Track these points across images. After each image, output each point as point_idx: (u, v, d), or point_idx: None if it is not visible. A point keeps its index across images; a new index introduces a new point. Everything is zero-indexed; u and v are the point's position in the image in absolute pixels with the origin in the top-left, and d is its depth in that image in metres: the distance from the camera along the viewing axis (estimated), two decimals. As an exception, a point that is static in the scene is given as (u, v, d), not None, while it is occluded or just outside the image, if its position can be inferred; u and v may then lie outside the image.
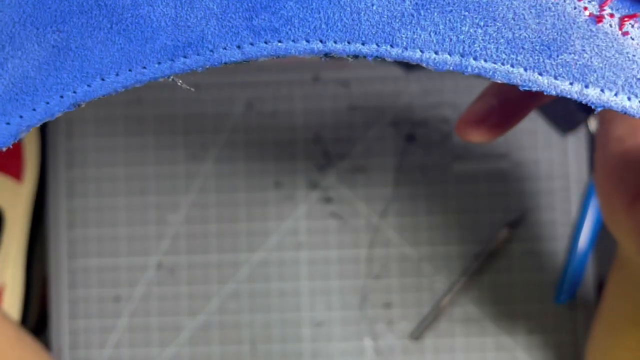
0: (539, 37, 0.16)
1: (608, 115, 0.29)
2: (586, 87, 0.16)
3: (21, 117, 0.17)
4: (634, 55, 0.16)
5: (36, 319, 0.57)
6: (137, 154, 0.57)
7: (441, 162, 0.56)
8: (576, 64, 0.16)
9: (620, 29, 0.16)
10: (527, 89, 0.16)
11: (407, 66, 0.56)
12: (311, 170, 0.57)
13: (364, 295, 0.56)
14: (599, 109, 0.17)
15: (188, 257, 0.56)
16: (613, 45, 0.16)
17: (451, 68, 0.16)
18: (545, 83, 0.16)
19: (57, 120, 0.57)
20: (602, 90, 0.16)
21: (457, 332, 0.55)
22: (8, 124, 0.17)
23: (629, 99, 0.16)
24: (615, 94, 0.16)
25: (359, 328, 0.56)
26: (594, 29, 0.16)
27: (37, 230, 0.57)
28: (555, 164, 0.56)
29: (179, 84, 0.19)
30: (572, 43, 0.16)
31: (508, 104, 0.24)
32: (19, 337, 0.42)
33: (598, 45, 0.16)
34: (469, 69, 0.16)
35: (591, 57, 0.16)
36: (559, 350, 0.55)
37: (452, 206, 0.56)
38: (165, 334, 0.56)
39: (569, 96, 0.16)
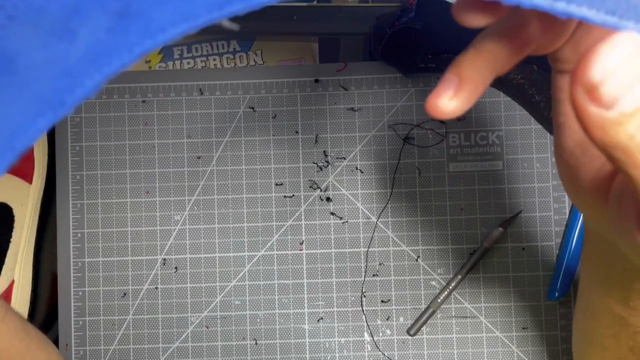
0: None
1: (562, 95, 0.30)
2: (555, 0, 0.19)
3: (100, 72, 0.19)
4: None
5: (45, 314, 0.59)
6: (142, 156, 0.58)
7: (437, 162, 0.58)
8: None
9: None
10: (508, 4, 0.19)
11: (405, 69, 0.58)
12: (311, 171, 0.58)
13: (363, 292, 0.57)
14: (564, 18, 0.20)
15: (192, 255, 0.58)
16: None
17: None
18: None
19: (65, 124, 0.58)
20: (567, 3, 0.19)
21: (452, 328, 0.57)
22: (91, 79, 0.19)
23: (588, 8, 0.19)
24: (578, 5, 0.19)
25: (358, 324, 0.57)
26: None
27: (46, 228, 0.59)
28: (548, 164, 0.57)
29: (226, 25, 0.21)
30: None
31: (468, 79, 0.26)
32: (26, 329, 0.43)
33: None
34: None
35: None
36: (552, 345, 0.56)
37: (448, 206, 0.57)
38: (170, 330, 0.57)
39: (540, 8, 0.19)
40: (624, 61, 0.20)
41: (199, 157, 0.58)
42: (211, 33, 0.60)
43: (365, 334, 0.57)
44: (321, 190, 0.58)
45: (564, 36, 0.28)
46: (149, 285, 0.57)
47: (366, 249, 0.57)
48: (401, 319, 0.57)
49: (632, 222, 0.26)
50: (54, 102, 0.19)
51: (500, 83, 0.54)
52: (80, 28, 0.19)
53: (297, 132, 0.58)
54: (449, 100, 0.26)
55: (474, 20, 0.25)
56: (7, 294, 0.55)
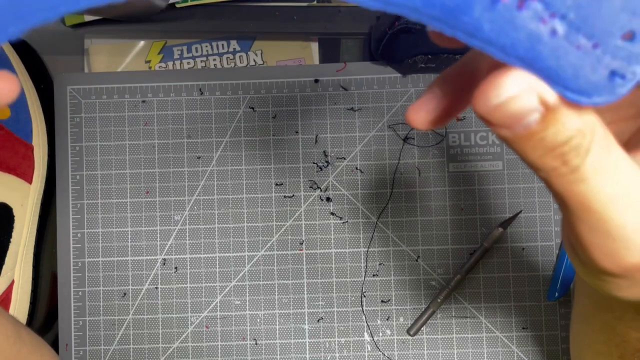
0: (447, 2, 0.20)
1: None
2: (473, 37, 0.21)
3: (24, 22, 0.20)
4: (522, 26, 0.21)
5: (45, 314, 0.59)
6: (142, 156, 0.58)
7: (437, 162, 0.58)
8: (471, 25, 0.21)
9: (520, 5, 0.20)
10: (433, 29, 0.21)
11: (405, 69, 0.58)
12: (311, 171, 0.58)
13: (363, 292, 0.57)
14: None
15: (192, 255, 0.58)
16: (505, 17, 0.20)
17: (376, 7, 0.21)
18: (448, 31, 0.21)
19: (65, 123, 0.58)
20: (484, 43, 0.21)
21: (452, 328, 0.57)
22: (14, 28, 0.21)
23: (502, 54, 0.21)
24: (494, 48, 0.21)
25: (358, 324, 0.57)
26: (494, 2, 0.20)
27: (46, 228, 0.59)
28: (548, 164, 0.57)
29: (155, 0, 0.21)
30: (472, 10, 0.20)
31: (451, 95, 0.26)
32: (17, 333, 0.42)
33: (493, 15, 0.20)
34: (390, 8, 0.21)
35: (484, 23, 0.21)
36: (551, 345, 0.56)
37: (448, 206, 0.57)
38: (170, 330, 0.57)
39: (460, 39, 0.21)
40: (510, 96, 0.21)
41: (199, 157, 0.58)
42: (211, 33, 0.60)
43: (365, 334, 0.57)
44: (321, 190, 0.58)
45: None
46: (149, 285, 0.58)
47: (366, 249, 0.57)
48: (401, 319, 0.57)
49: (565, 241, 0.27)
50: None
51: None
52: None
53: (297, 132, 0.58)
54: (427, 114, 0.26)
55: (443, 42, 0.26)
56: (7, 294, 0.55)
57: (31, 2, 0.20)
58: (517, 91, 0.21)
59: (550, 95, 0.21)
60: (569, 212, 0.24)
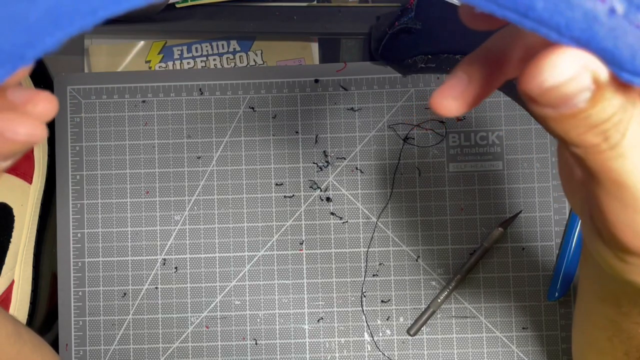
0: None
1: None
2: (525, 17, 0.20)
3: (62, 31, 0.21)
4: (578, 5, 0.20)
5: (45, 314, 0.59)
6: (142, 156, 0.58)
7: (437, 162, 0.58)
8: (524, 4, 0.20)
9: None
10: (481, 10, 0.21)
11: (405, 69, 0.58)
12: (311, 171, 0.58)
13: (363, 292, 0.57)
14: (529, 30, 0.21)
15: (192, 255, 0.58)
16: None
17: None
18: (498, 11, 0.20)
19: (65, 123, 0.58)
20: (537, 23, 0.20)
21: (452, 328, 0.57)
22: (52, 36, 0.21)
23: (555, 34, 0.20)
24: (547, 28, 0.20)
25: (358, 324, 0.57)
26: None
27: (46, 228, 0.59)
28: (548, 164, 0.57)
29: None
30: None
31: (478, 80, 0.26)
32: (18, 332, 0.42)
33: None
34: None
35: (537, 2, 0.20)
36: (552, 345, 0.56)
37: (448, 206, 0.57)
38: (170, 330, 0.57)
39: (510, 19, 0.21)
40: (568, 78, 0.21)
41: (199, 157, 0.58)
42: (211, 33, 0.60)
43: (365, 334, 0.57)
44: (321, 190, 0.58)
45: None
46: (149, 285, 0.58)
47: (366, 249, 0.57)
48: (401, 319, 0.57)
49: (588, 223, 0.27)
50: (14, 56, 0.21)
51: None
52: None
53: (297, 132, 0.58)
54: (453, 100, 0.25)
55: (477, 24, 0.25)
56: (7, 294, 0.55)
57: (71, 9, 0.20)
58: (574, 72, 0.20)
59: (603, 72, 0.21)
60: (601, 189, 0.23)
